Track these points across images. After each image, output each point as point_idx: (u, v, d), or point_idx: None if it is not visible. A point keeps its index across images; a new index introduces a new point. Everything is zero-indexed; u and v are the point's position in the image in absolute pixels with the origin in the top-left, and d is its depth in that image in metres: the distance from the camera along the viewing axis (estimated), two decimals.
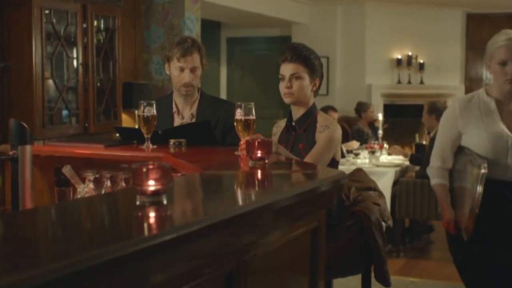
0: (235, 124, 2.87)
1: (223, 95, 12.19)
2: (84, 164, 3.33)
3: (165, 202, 1.66)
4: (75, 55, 6.00)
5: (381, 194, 3.53)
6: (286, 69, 3.32)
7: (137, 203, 1.65)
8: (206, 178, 2.19)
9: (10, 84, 5.63)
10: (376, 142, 7.65)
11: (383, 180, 6.56)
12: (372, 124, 8.83)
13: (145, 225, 1.53)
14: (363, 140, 8.05)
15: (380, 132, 7.98)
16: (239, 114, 2.84)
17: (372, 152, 7.12)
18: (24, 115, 5.50)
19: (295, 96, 3.32)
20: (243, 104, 2.85)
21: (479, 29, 11.34)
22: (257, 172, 2.29)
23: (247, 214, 1.68)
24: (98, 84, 6.28)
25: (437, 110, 6.69)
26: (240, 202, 1.84)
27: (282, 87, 3.34)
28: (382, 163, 7.04)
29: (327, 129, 3.27)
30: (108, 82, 6.42)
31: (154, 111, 3.19)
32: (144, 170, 1.65)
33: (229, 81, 12.34)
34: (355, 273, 3.36)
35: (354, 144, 7.75)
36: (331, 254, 3.12)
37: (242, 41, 12.17)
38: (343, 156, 7.40)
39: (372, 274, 3.33)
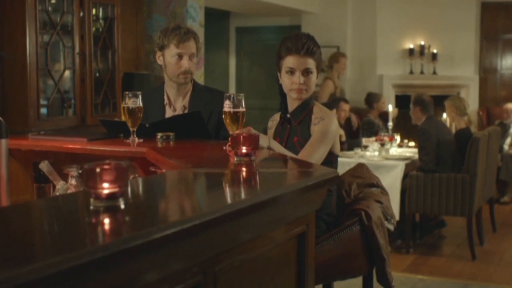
0: (223, 116, 2.68)
1: (231, 85, 12.01)
2: (69, 159, 3.16)
3: (122, 206, 1.46)
4: (71, 45, 5.80)
5: (384, 191, 3.31)
6: (298, 63, 3.11)
7: (91, 207, 1.45)
8: (181, 177, 1.99)
9: (4, 74, 5.44)
10: (386, 134, 7.41)
11: (393, 173, 6.35)
12: (383, 116, 8.59)
13: (92, 234, 1.33)
14: (374, 132, 7.82)
15: (390, 124, 7.74)
16: (227, 106, 2.64)
17: (382, 145, 6.88)
18: (19, 106, 5.33)
19: (309, 92, 3.15)
20: (232, 95, 2.65)
21: (494, 19, 11.06)
22: (241, 170, 2.09)
23: (217, 220, 1.48)
24: (97, 74, 6.09)
25: (421, 102, 6.57)
26: (210, 206, 1.62)
27: (291, 81, 3.13)
28: (392, 156, 6.80)
29: (322, 121, 3.05)
30: (107, 72, 6.23)
31: (140, 102, 3.01)
32: (98, 170, 1.45)
33: (238, 71, 12.13)
34: (356, 275, 3.14)
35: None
36: (329, 255, 2.93)
37: (251, 31, 11.95)
38: (350, 148, 7.19)
39: (375, 276, 3.11)
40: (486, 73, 11.08)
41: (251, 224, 1.65)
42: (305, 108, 3.15)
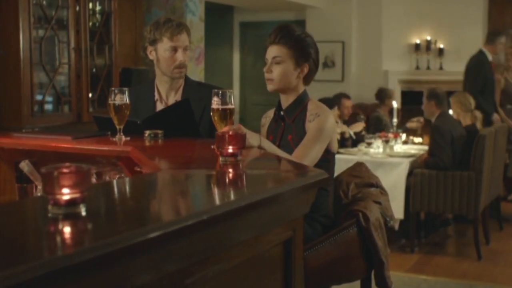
0: (211, 114, 2.55)
1: (235, 81, 11.89)
2: (56, 158, 3.03)
3: (83, 213, 1.33)
4: (67, 40, 5.67)
5: (383, 191, 3.16)
6: (269, 52, 2.98)
7: (49, 215, 1.33)
8: (156, 179, 1.85)
9: None
10: (391, 130, 7.27)
11: (397, 171, 6.21)
12: (392, 112, 8.41)
13: (46, 244, 1.20)
14: (381, 129, 7.65)
15: (395, 120, 7.59)
16: (215, 102, 2.51)
17: (386, 142, 6.73)
18: (12, 102, 5.21)
19: (274, 82, 2.96)
20: (220, 91, 2.52)
21: (501, 14, 10.88)
22: (225, 172, 1.95)
23: (187, 228, 1.34)
24: (94, 70, 5.96)
25: (436, 96, 6.43)
26: (179, 212, 1.49)
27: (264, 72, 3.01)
28: (397, 153, 6.66)
29: (318, 117, 2.90)
30: (104, 67, 6.10)
31: (126, 99, 2.87)
32: (56, 174, 1.32)
33: (242, 66, 12.00)
34: (353, 279, 3.01)
35: (360, 125, 7.39)
36: (325, 258, 2.80)
37: (255, 26, 11.80)
38: (354, 144, 7.05)
39: (373, 280, 2.98)
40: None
41: (228, 231, 1.52)
42: (299, 104, 3.00)
